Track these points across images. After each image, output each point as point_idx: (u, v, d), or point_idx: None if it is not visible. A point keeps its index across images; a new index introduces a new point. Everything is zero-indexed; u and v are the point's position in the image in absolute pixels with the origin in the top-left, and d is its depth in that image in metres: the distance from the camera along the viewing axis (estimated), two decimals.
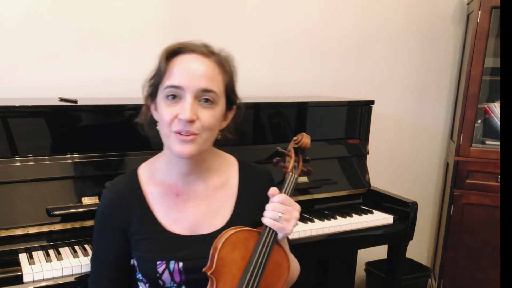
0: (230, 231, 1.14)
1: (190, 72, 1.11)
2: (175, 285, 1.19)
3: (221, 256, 1.11)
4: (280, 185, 1.23)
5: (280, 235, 1.16)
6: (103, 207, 1.25)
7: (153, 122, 1.22)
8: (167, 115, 1.11)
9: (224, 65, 1.18)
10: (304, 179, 2.03)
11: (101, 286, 1.25)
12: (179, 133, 1.11)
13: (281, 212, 1.14)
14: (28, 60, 1.94)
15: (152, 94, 1.18)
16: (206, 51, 1.15)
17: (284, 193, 1.20)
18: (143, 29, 2.12)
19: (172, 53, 1.14)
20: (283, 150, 1.29)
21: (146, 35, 2.11)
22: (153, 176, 1.25)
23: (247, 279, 1.11)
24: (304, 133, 1.29)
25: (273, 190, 1.18)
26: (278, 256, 1.17)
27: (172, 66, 1.13)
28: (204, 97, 1.12)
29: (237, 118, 1.28)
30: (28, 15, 1.92)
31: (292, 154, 1.27)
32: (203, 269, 1.12)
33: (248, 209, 1.25)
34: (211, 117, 1.13)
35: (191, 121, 1.10)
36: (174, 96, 1.11)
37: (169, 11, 2.18)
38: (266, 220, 1.15)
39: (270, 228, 1.14)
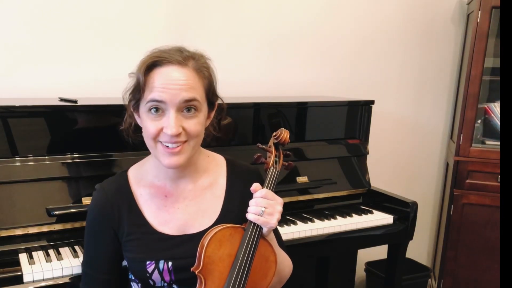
0: (215, 229, 1.15)
1: (170, 86, 1.11)
2: (165, 284, 1.21)
3: (208, 255, 1.13)
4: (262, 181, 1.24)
5: (264, 230, 1.17)
6: (93, 208, 1.26)
7: (138, 128, 1.24)
8: (152, 129, 1.13)
9: (202, 71, 1.17)
10: (304, 179, 2.03)
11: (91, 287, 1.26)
12: (165, 146, 1.13)
13: (264, 206, 1.15)
14: (28, 60, 1.94)
15: (134, 105, 1.19)
16: (182, 60, 1.14)
17: (267, 188, 1.20)
18: (143, 29, 2.12)
19: (149, 67, 1.14)
20: (263, 146, 1.30)
21: (146, 35, 2.11)
22: (142, 178, 1.26)
23: (235, 275, 1.12)
24: (283, 128, 1.31)
25: (255, 186, 1.19)
26: (264, 251, 1.19)
27: (151, 80, 1.13)
28: (187, 107, 1.13)
29: (220, 114, 1.30)
30: (28, 15, 1.92)
31: (273, 149, 1.29)
32: (191, 269, 1.13)
33: (236, 208, 1.26)
34: (196, 125, 1.15)
35: (177, 135, 1.12)
36: (157, 109, 1.13)
37: (169, 12, 2.17)
38: (250, 215, 1.16)
39: (255, 223, 1.15)
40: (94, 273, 1.25)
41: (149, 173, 1.26)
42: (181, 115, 1.13)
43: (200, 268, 1.12)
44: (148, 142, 1.17)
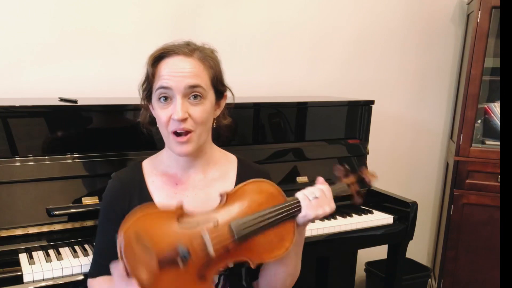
0: (266, 181, 1.19)
1: (176, 73, 1.17)
2: None
3: (245, 189, 1.16)
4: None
5: (301, 214, 1.16)
6: (107, 195, 1.31)
7: (154, 120, 1.28)
8: (163, 117, 1.19)
9: (207, 60, 1.22)
10: (304, 179, 2.03)
11: (100, 275, 1.26)
12: (175, 134, 1.18)
13: (317, 195, 1.17)
14: (28, 60, 1.95)
15: (148, 96, 1.25)
16: (188, 51, 1.20)
17: (332, 188, 1.23)
18: (143, 29, 2.12)
19: (157, 59, 1.20)
20: (348, 168, 1.33)
21: (146, 35, 2.12)
22: (156, 167, 1.31)
23: (249, 221, 1.12)
24: (376, 175, 1.34)
25: (321, 178, 1.22)
26: (286, 232, 1.17)
27: (159, 70, 1.19)
28: (192, 94, 1.18)
29: (230, 104, 1.33)
30: (28, 15, 1.92)
31: (353, 177, 1.31)
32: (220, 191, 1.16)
33: None
34: (201, 112, 1.19)
35: (184, 120, 1.16)
36: (166, 98, 1.18)
37: (168, 11, 2.18)
38: (300, 193, 1.18)
39: (298, 202, 1.16)
40: (103, 260, 1.25)
41: (163, 163, 1.30)
42: (187, 102, 1.18)
43: (231, 192, 1.15)
44: (162, 131, 1.22)
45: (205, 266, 1.08)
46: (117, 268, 1.04)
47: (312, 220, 1.19)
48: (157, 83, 1.19)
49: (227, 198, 1.15)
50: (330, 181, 2.06)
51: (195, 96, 1.18)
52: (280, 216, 1.14)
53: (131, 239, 1.02)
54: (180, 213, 1.10)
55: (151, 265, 1.01)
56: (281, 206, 1.15)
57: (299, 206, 1.16)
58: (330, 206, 1.19)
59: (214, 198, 1.26)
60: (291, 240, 1.18)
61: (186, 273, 1.05)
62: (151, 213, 1.09)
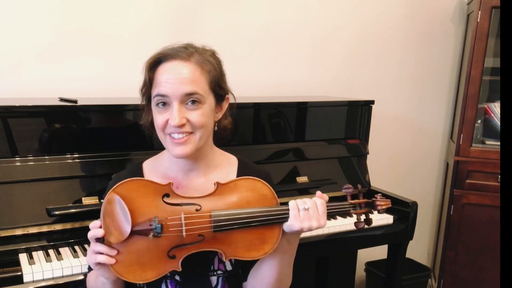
0: (262, 181, 1.18)
1: (172, 80, 1.16)
2: (168, 274, 1.21)
3: (238, 184, 1.17)
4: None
5: (287, 223, 1.14)
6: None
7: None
8: (159, 121, 1.18)
9: (206, 64, 1.21)
10: (304, 179, 2.03)
11: None
12: (172, 137, 1.18)
13: (307, 207, 1.14)
14: (28, 60, 1.95)
15: (148, 99, 1.25)
16: (186, 55, 1.18)
17: (330, 205, 1.19)
18: (143, 29, 2.12)
19: (154, 64, 1.19)
20: (362, 191, 1.27)
21: (146, 35, 2.12)
22: (156, 169, 1.30)
23: (230, 215, 1.12)
24: (390, 204, 1.28)
25: (320, 193, 1.19)
26: (269, 236, 1.15)
27: (156, 76, 1.19)
28: (190, 100, 1.17)
29: (232, 104, 1.32)
30: (28, 15, 1.92)
31: (363, 200, 1.26)
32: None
33: None
34: (199, 116, 1.18)
35: (181, 125, 1.16)
36: (164, 103, 1.18)
37: (168, 12, 2.18)
38: (292, 202, 1.16)
39: (287, 210, 1.14)
40: None
41: (163, 165, 1.30)
42: (184, 107, 1.17)
43: (224, 184, 1.16)
44: (159, 134, 1.22)
45: (176, 247, 1.10)
46: (93, 225, 1.10)
47: (299, 232, 1.16)
48: (155, 90, 1.18)
49: (217, 188, 1.16)
50: (331, 181, 2.09)
51: (193, 102, 1.17)
52: (263, 218, 1.13)
53: (114, 200, 1.08)
54: (168, 190, 1.14)
55: (124, 230, 1.06)
56: (267, 209, 1.14)
57: (287, 214, 1.14)
58: (318, 221, 1.15)
59: None
60: (273, 245, 1.16)
61: (156, 248, 1.09)
62: (141, 181, 1.15)
